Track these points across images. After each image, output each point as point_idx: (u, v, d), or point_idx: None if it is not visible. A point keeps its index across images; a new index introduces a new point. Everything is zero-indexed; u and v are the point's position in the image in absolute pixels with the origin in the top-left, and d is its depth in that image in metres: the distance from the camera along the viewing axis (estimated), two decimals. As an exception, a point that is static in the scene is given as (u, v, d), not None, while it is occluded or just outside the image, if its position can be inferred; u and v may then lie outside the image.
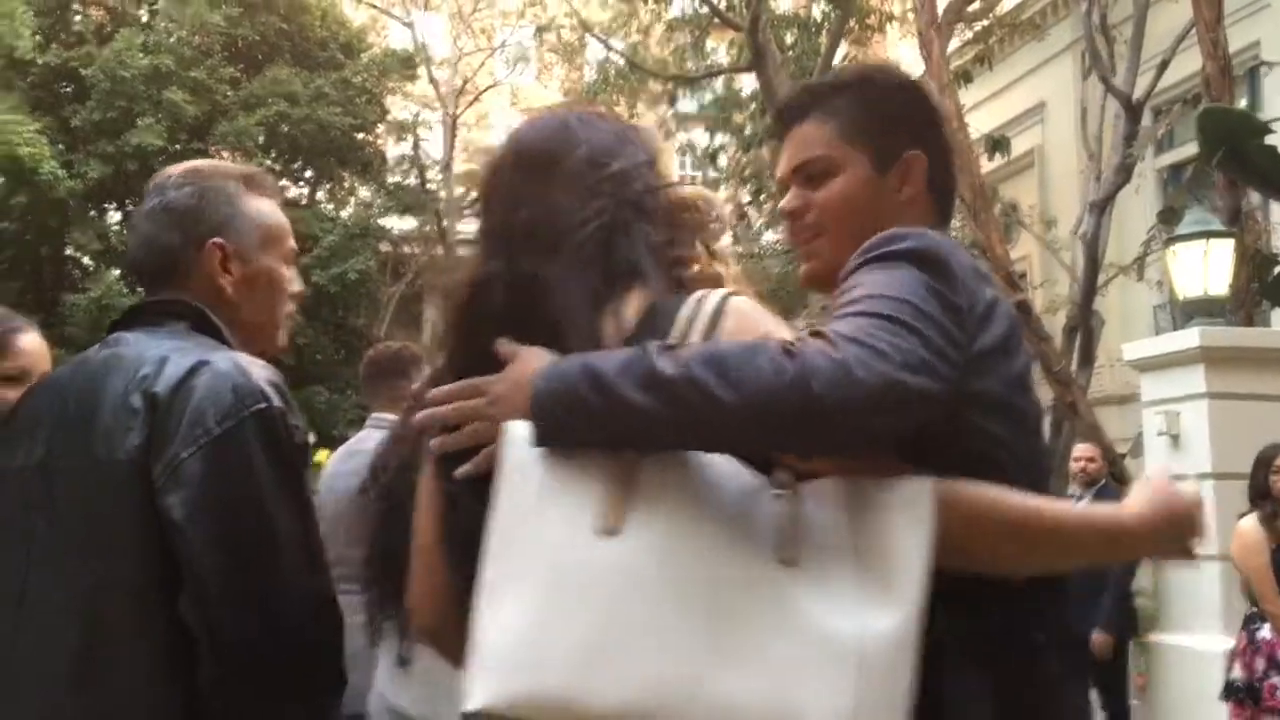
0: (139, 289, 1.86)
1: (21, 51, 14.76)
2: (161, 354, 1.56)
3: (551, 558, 1.11)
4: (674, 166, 16.34)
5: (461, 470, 1.27)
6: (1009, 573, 1.25)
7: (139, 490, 1.48)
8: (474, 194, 1.43)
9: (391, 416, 3.18)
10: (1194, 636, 5.58)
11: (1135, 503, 1.30)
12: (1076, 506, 1.36)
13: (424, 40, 19.23)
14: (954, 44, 11.82)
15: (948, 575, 1.15)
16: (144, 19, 17.25)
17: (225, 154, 15.76)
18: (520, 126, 1.45)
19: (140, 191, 1.82)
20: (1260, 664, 4.55)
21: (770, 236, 14.48)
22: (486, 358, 1.28)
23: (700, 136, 16.35)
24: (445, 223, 19.47)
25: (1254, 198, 8.07)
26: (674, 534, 1.12)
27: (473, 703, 1.08)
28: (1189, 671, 5.48)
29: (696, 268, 1.54)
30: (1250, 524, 4.64)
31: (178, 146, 15.00)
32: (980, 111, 12.92)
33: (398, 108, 19.54)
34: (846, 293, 1.23)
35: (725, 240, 1.84)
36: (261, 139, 16.62)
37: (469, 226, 20.53)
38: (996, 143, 11.43)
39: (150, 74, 15.50)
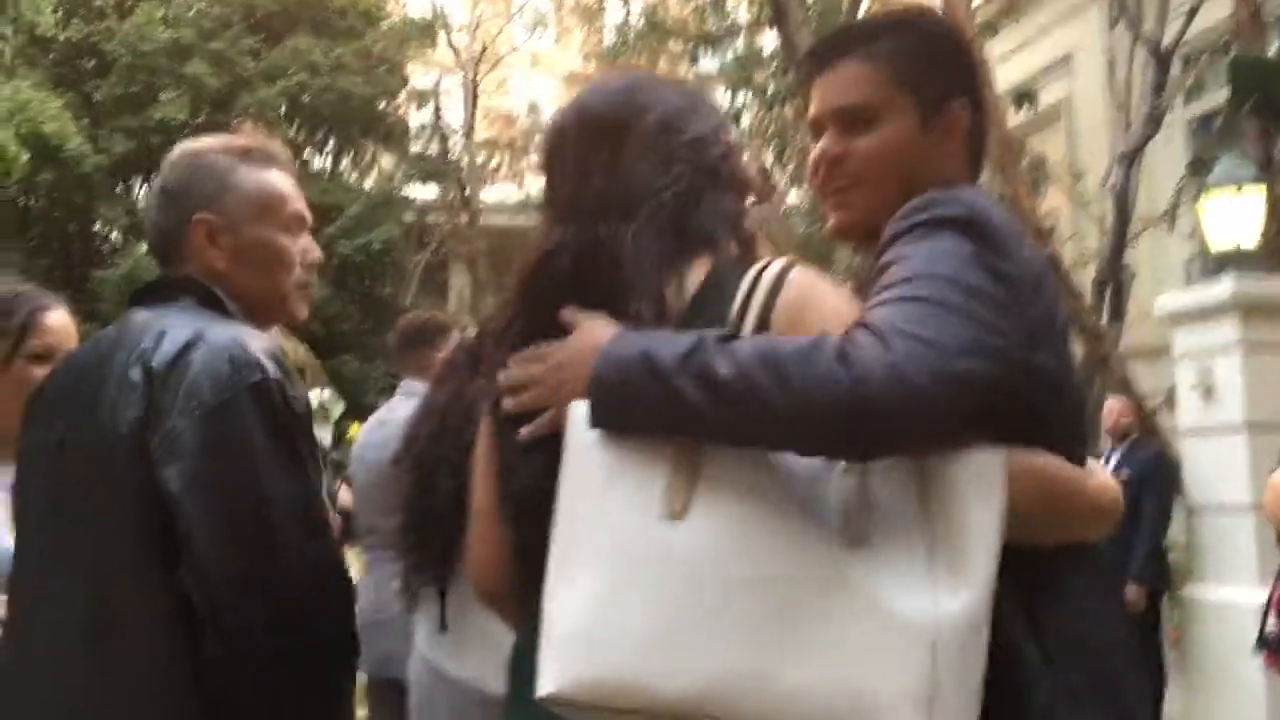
0: (167, 265, 1.88)
1: (43, 28, 14.79)
2: (161, 328, 1.58)
3: (618, 542, 1.12)
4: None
5: (524, 430, 1.29)
6: (1046, 540, 1.25)
7: (139, 464, 1.49)
8: (541, 160, 1.42)
9: (421, 385, 3.20)
10: (1228, 589, 5.56)
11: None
12: (1103, 474, 1.36)
13: (442, 6, 19.12)
14: (978, -3, 11.63)
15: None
16: (163, -8, 17.24)
17: (248, 126, 15.76)
18: (584, 93, 1.44)
19: (165, 166, 1.83)
20: (1295, 615, 4.53)
21: (794, 198, 14.39)
22: (553, 324, 1.29)
23: (722, 96, 16.22)
24: (468, 190, 19.45)
25: (1286, 146, 7.93)
26: (739, 518, 1.12)
27: (544, 688, 1.09)
28: (1223, 624, 5.46)
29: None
30: (1284, 476, 4.60)
31: (201, 119, 15.01)
32: (1007, 64, 12.73)
33: (418, 75, 19.48)
34: (890, 265, 1.20)
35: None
36: (283, 110, 16.61)
37: (491, 193, 20.55)
38: (1023, 95, 11.28)
39: (171, 47, 15.50)
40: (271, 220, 1.75)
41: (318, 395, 9.43)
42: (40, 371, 2.02)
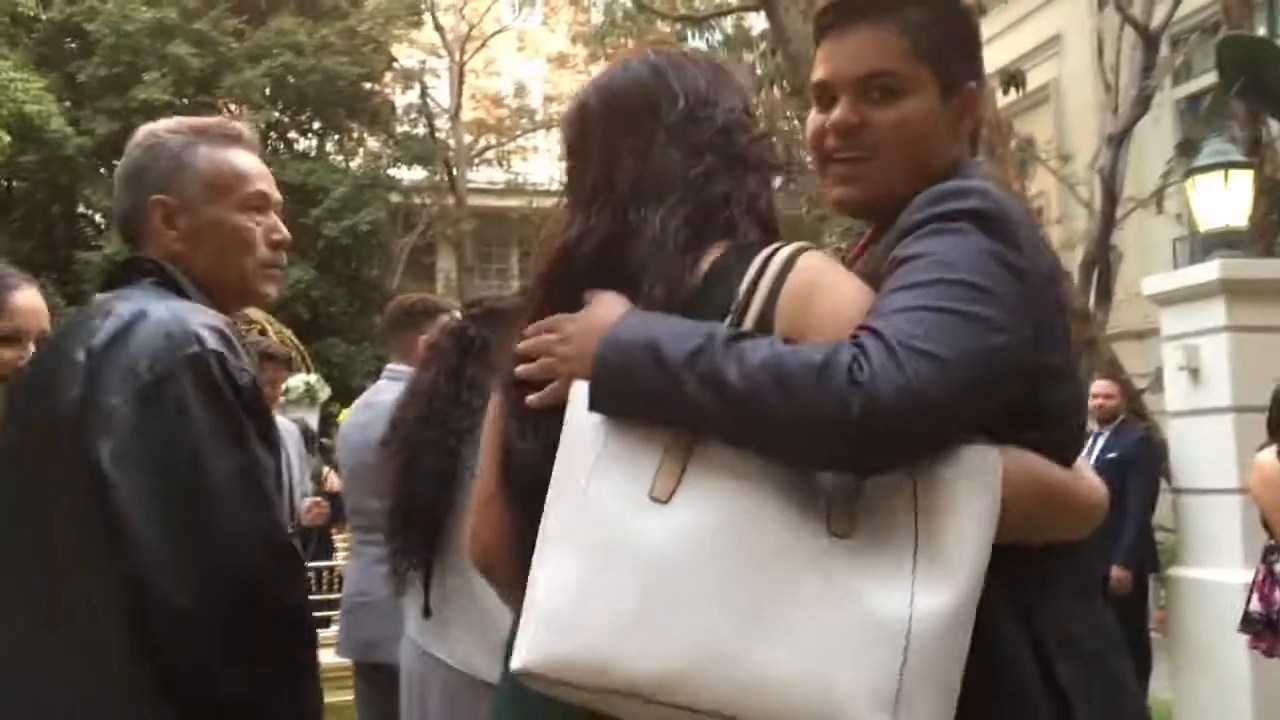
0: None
1: (25, 8, 14.66)
2: (108, 309, 1.57)
3: (604, 522, 1.11)
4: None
5: (531, 398, 1.28)
6: (1036, 540, 1.24)
7: (79, 443, 1.47)
8: (564, 141, 1.40)
9: (406, 369, 3.19)
10: (1214, 570, 5.58)
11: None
12: (1090, 473, 1.35)
13: (428, -15, 19.01)
14: (967, -23, 11.58)
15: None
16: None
17: (232, 107, 15.68)
18: (607, 74, 1.41)
19: (149, 148, 1.82)
20: (1278, 596, 4.55)
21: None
22: (575, 308, 1.29)
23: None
24: (455, 172, 19.37)
25: (1274, 128, 7.95)
26: (725, 506, 1.11)
27: (515, 662, 1.10)
28: (1209, 604, 5.49)
29: None
30: (1268, 457, 4.62)
31: (184, 101, 14.92)
32: (995, 46, 12.71)
33: (404, 56, 19.38)
34: (908, 259, 1.18)
35: None
36: (268, 91, 16.51)
37: (478, 175, 20.47)
38: (1012, 77, 11.26)
39: (154, 27, 15.38)
40: (228, 199, 1.72)
41: (304, 379, 9.40)
42: (9, 353, 2.00)
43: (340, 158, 18.24)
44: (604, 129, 1.35)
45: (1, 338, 2.16)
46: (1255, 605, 4.64)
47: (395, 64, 18.89)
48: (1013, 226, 1.21)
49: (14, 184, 15.54)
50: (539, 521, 1.16)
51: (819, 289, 1.22)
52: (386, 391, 3.27)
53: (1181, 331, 5.90)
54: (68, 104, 15.19)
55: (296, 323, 13.00)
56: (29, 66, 14.59)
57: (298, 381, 9.04)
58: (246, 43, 16.30)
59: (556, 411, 1.21)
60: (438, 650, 2.66)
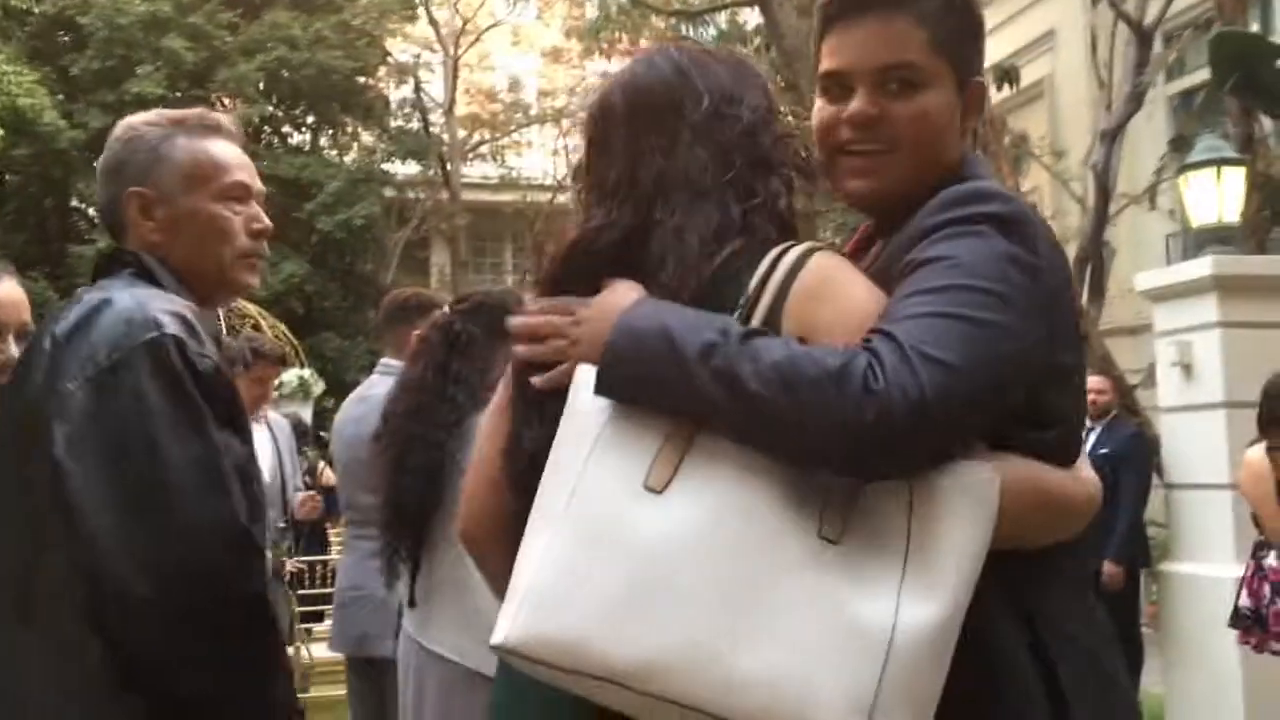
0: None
1: (18, 0, 14.58)
2: (79, 298, 1.58)
3: (596, 506, 1.12)
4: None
5: (538, 379, 1.28)
6: (1034, 544, 1.24)
7: (40, 430, 1.47)
8: (586, 136, 1.40)
9: (399, 363, 3.19)
10: (1205, 565, 5.60)
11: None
12: (1086, 470, 1.35)
13: (423, -21, 18.97)
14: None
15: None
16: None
17: (226, 101, 15.63)
18: (630, 70, 1.41)
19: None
20: (1267, 591, 4.57)
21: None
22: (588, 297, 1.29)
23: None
24: (449, 166, 19.34)
25: (1266, 124, 7.96)
26: (718, 499, 1.11)
27: (495, 637, 1.10)
28: (1199, 599, 5.51)
29: None
30: (1257, 453, 4.64)
31: (178, 94, 14.86)
32: (989, 41, 12.69)
33: (398, 50, 19.33)
34: (926, 262, 1.18)
35: None
36: (262, 85, 16.46)
37: (472, 169, 20.42)
38: (1006, 72, 11.25)
39: (148, 21, 15.31)
40: (206, 189, 1.72)
41: (298, 373, 9.38)
42: None
43: (334, 152, 18.20)
44: (628, 125, 1.35)
45: None
46: (1244, 601, 4.66)
47: (389, 58, 18.85)
48: (1032, 229, 1.21)
49: (6, 177, 15.47)
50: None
51: (828, 289, 1.22)
52: (380, 386, 3.28)
53: (1174, 327, 5.91)
54: (61, 97, 15.12)
55: (290, 317, 12.96)
56: (22, 59, 14.53)
57: (291, 376, 9.03)
58: (240, 36, 16.24)
59: (563, 397, 1.21)
60: (427, 640, 2.66)
